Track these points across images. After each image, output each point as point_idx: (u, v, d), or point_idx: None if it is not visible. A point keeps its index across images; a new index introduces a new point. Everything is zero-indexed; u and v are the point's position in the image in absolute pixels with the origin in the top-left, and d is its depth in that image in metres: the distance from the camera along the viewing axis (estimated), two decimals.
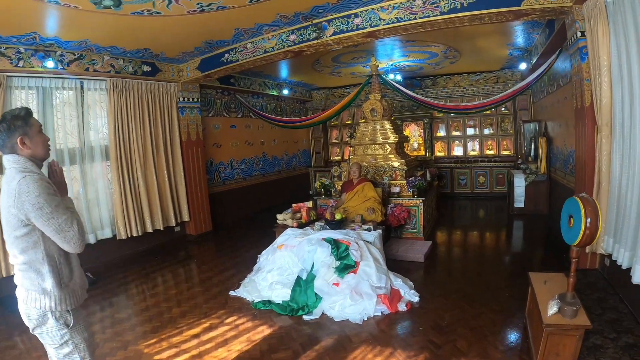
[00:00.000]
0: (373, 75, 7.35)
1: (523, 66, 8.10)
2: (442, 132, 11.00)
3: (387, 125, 7.17)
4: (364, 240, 4.75)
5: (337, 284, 4.24)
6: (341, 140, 12.30)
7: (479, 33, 6.59)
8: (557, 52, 6.14)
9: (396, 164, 6.82)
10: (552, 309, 2.70)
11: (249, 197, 9.43)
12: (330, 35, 5.44)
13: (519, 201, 8.10)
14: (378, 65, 7.41)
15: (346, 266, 4.32)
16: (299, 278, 4.40)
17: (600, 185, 4.04)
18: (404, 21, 4.90)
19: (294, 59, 6.79)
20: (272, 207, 10.02)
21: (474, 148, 10.73)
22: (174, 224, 7.09)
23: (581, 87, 4.45)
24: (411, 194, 6.49)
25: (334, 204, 6.37)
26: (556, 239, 6.31)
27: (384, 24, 5.03)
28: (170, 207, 6.98)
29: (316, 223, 5.51)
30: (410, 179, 6.56)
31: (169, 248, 6.94)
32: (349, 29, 5.26)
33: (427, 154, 10.90)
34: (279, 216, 6.04)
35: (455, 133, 10.86)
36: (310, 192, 12.19)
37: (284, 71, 9.09)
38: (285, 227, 5.70)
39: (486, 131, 10.53)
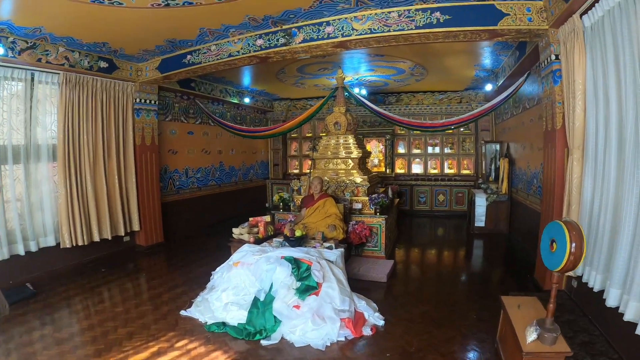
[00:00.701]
0: (339, 88, 7.54)
1: (489, 87, 8.71)
2: (402, 149, 11.47)
3: (351, 140, 7.40)
4: (325, 260, 4.67)
5: (297, 307, 4.10)
6: (300, 153, 12.48)
7: (448, 51, 7.01)
8: (525, 75, 6.57)
9: (359, 179, 7.01)
10: (531, 335, 2.73)
11: (203, 207, 9.29)
12: (300, 43, 5.51)
13: (480, 220, 8.60)
14: (344, 78, 7.72)
15: (307, 287, 4.18)
16: (256, 299, 4.22)
17: (570, 207, 4.20)
18: (378, 33, 5.07)
19: (258, 65, 6.85)
20: (227, 219, 9.95)
21: (434, 166, 11.29)
22: (123, 234, 6.83)
23: (552, 109, 4.71)
24: (373, 211, 6.64)
25: (293, 219, 6.40)
26: (518, 259, 6.90)
27: (356, 34, 5.17)
28: (119, 215, 6.72)
29: (274, 239, 5.44)
30: (373, 195, 6.71)
31: (116, 259, 6.66)
32: (319, 37, 5.37)
33: (388, 170, 11.31)
34: (234, 230, 5.91)
35: (415, 151, 11.38)
36: (267, 204, 12.25)
37: (246, 78, 9.19)
38: (241, 242, 5.61)
39: (447, 150, 11.11)
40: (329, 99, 7.84)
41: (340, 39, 5.29)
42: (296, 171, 12.57)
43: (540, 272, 5.06)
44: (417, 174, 11.31)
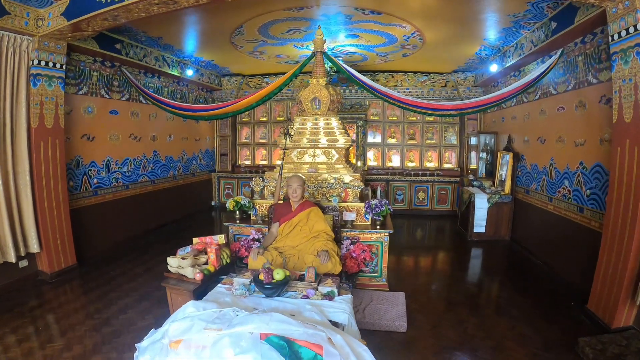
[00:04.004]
0: (317, 53, 5.76)
1: (494, 68, 7.37)
2: (376, 139, 10.01)
3: (335, 123, 5.70)
4: (336, 330, 2.74)
5: None
6: (253, 141, 10.56)
7: (460, 17, 5.71)
8: (560, 51, 5.44)
9: (348, 177, 5.33)
10: None
11: (132, 213, 7.14)
12: None
13: (480, 225, 7.36)
14: (324, 41, 5.98)
15: None
16: None
17: None
18: None
19: (209, 17, 5.36)
20: (164, 225, 7.94)
21: (411, 159, 9.97)
22: (15, 259, 4.70)
23: (636, 94, 3.62)
24: (369, 223, 5.10)
25: (255, 237, 4.71)
26: (541, 278, 5.58)
27: None
28: (7, 232, 4.59)
29: (236, 279, 3.50)
30: (372, 202, 4.98)
31: (8, 296, 4.59)
32: None
33: (359, 162, 9.76)
34: (171, 261, 3.94)
35: (390, 140, 9.97)
36: (213, 203, 10.29)
37: (191, 42, 7.12)
38: (181, 280, 3.83)
39: (428, 141, 9.84)
40: (305, 64, 5.88)
41: None
42: (247, 162, 10.65)
43: (597, 301, 4.16)
44: (392, 168, 9.88)
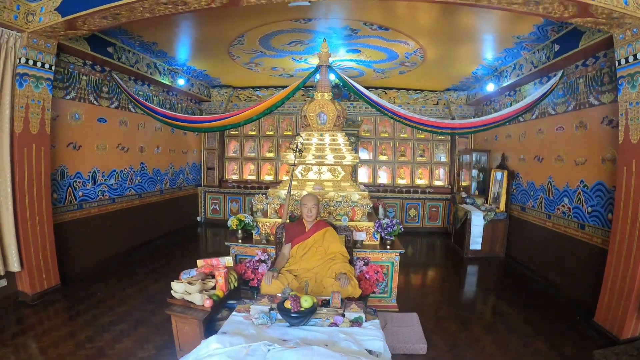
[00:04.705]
0: (322, 67, 5.46)
1: (491, 87, 7.31)
2: (367, 155, 9.78)
3: (341, 139, 5.39)
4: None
5: None
6: (241, 155, 10.08)
7: (464, 36, 5.69)
8: (560, 73, 5.47)
9: (356, 195, 5.04)
10: None
11: (118, 228, 6.55)
12: None
13: (476, 242, 7.17)
14: (330, 55, 5.67)
15: None
16: None
17: None
18: None
19: (209, 29, 5.21)
20: (150, 241, 7.37)
21: (402, 176, 9.77)
22: None
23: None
24: (378, 242, 4.83)
25: (263, 263, 4.32)
26: (541, 293, 5.46)
27: None
28: None
29: (253, 306, 3.13)
30: (384, 221, 4.75)
31: None
32: None
33: None
34: (175, 286, 3.50)
35: (382, 157, 9.74)
36: (199, 219, 9.74)
37: (186, 49, 6.70)
38: (187, 307, 3.40)
39: (418, 158, 9.67)
40: (310, 76, 5.63)
41: None
42: (235, 177, 10.15)
43: (604, 314, 4.19)
44: (383, 185, 9.62)
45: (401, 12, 5.04)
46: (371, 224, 4.86)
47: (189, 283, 3.50)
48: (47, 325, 4.03)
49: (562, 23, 4.81)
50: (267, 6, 4.68)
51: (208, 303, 3.36)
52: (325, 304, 3.28)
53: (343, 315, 3.11)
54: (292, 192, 4.83)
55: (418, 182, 9.67)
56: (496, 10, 4.26)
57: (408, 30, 5.59)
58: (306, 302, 2.98)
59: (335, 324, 3.00)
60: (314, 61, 7.12)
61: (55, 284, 4.90)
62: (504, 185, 7.23)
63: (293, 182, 5.09)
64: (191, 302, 3.42)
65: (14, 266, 4.37)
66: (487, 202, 7.70)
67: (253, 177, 10.09)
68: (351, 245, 4.48)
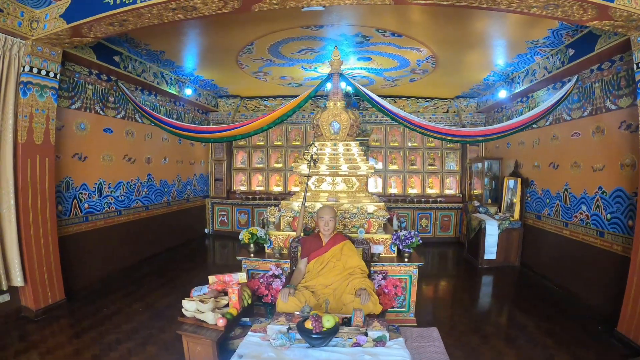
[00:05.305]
0: (334, 75, 5.24)
1: (503, 94, 7.09)
2: (378, 165, 9.51)
3: (355, 149, 5.17)
4: None
5: None
6: (249, 166, 9.87)
7: (477, 42, 5.51)
8: (574, 79, 5.30)
9: (371, 207, 4.80)
10: None
11: (124, 240, 6.32)
12: None
13: (490, 252, 6.90)
14: (341, 63, 5.46)
15: None
16: None
17: None
18: None
19: (219, 36, 5.01)
20: (157, 255, 7.13)
21: (412, 185, 9.52)
22: None
23: None
24: (395, 255, 4.60)
25: (277, 278, 4.07)
26: (562, 303, 5.35)
27: None
28: None
29: (272, 328, 2.89)
30: (402, 233, 4.51)
31: None
32: None
33: None
34: (186, 305, 3.29)
35: (392, 167, 9.51)
36: (207, 231, 9.50)
37: (193, 58, 6.51)
38: (200, 325, 3.17)
39: (428, 167, 9.43)
40: (323, 84, 5.36)
41: None
42: (243, 188, 9.93)
43: (627, 324, 3.97)
44: (394, 195, 9.38)
45: (415, 17, 4.86)
46: (388, 236, 4.64)
47: (201, 301, 3.26)
48: (52, 342, 3.78)
49: (577, 27, 4.68)
50: (279, 12, 4.51)
51: (222, 322, 3.12)
52: (346, 322, 3.03)
53: (366, 334, 2.86)
54: (305, 204, 4.59)
55: (429, 191, 9.42)
56: (512, 14, 4.13)
57: (421, 37, 5.41)
58: (328, 322, 2.74)
59: (358, 344, 2.76)
60: (323, 70, 6.94)
61: (60, 299, 4.67)
62: (518, 193, 6.99)
63: (299, 194, 4.86)
64: (203, 322, 3.18)
65: (17, 281, 4.14)
66: (500, 211, 7.47)
67: (262, 188, 9.85)
68: (369, 258, 4.23)
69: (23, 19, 4.01)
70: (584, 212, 5.32)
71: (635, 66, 3.87)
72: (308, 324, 2.72)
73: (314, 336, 2.67)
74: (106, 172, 6.03)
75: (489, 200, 7.96)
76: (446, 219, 8.96)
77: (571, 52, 5.13)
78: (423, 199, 9.13)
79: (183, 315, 3.27)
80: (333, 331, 2.73)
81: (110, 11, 3.83)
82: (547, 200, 6.26)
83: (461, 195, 9.21)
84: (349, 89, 6.97)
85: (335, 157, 5.09)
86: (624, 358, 3.56)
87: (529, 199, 6.89)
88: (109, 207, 6.07)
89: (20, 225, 4.21)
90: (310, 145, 4.99)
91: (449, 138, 5.78)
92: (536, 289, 5.90)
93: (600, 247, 4.96)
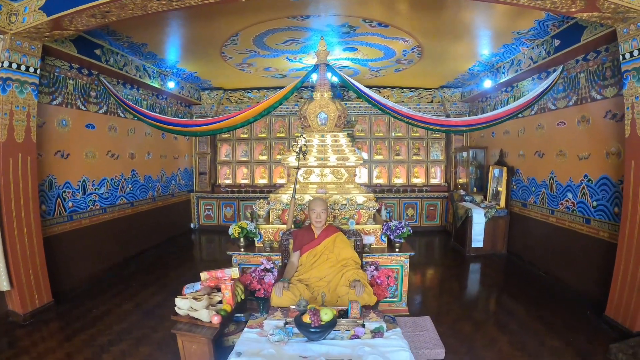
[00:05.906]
0: (321, 66, 5.19)
1: (488, 84, 7.15)
2: (363, 155, 9.57)
3: (343, 140, 5.15)
4: None
5: None
6: (234, 159, 9.77)
7: (462, 32, 5.51)
8: (560, 69, 5.38)
9: (361, 198, 4.83)
10: None
11: (110, 238, 6.18)
12: None
13: (477, 240, 7.02)
14: (327, 53, 5.37)
15: None
16: None
17: None
18: None
19: (202, 27, 4.92)
20: (144, 252, 7.02)
21: (398, 175, 9.57)
22: None
23: None
24: (385, 246, 4.64)
25: (269, 272, 4.06)
26: (549, 289, 5.39)
27: None
28: None
29: (268, 324, 2.87)
30: (392, 223, 4.53)
31: None
32: None
33: None
34: (179, 303, 3.21)
35: (377, 157, 9.54)
36: (193, 225, 9.40)
37: (176, 50, 6.37)
38: (194, 325, 3.12)
39: (414, 157, 9.48)
40: (309, 75, 5.31)
41: None
42: (228, 181, 9.83)
43: (615, 308, 4.11)
44: (380, 185, 9.42)
45: (402, 7, 4.84)
46: (378, 226, 4.68)
47: (195, 299, 3.22)
48: (42, 347, 3.69)
49: (564, 18, 4.71)
50: (266, 2, 4.45)
51: (216, 319, 3.08)
52: (343, 314, 3.04)
53: (363, 326, 2.88)
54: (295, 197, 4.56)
55: (414, 180, 9.49)
56: (501, 5, 4.12)
57: (408, 27, 5.37)
58: (326, 316, 2.73)
59: (356, 336, 2.77)
60: (308, 61, 6.87)
61: (48, 302, 4.53)
62: (504, 181, 7.10)
63: (289, 185, 4.83)
64: (198, 319, 3.13)
65: (3, 285, 4.01)
66: (486, 199, 7.58)
67: (247, 181, 9.75)
68: (360, 250, 4.24)
69: (1, 13, 3.81)
70: (570, 199, 5.44)
71: (621, 57, 3.97)
72: (306, 318, 2.71)
73: (312, 330, 2.66)
74: (89, 169, 5.86)
75: (475, 189, 8.06)
76: (432, 208, 9.06)
77: (557, 42, 5.18)
78: (409, 189, 9.20)
79: (176, 314, 3.21)
80: (331, 324, 2.73)
81: (92, 2, 3.65)
82: (533, 188, 6.38)
83: (446, 185, 9.31)
84: (335, 79, 6.94)
85: (323, 148, 5.07)
86: (613, 341, 3.66)
87: (515, 187, 7.00)
88: (93, 205, 5.92)
89: (3, 227, 4.06)
90: (299, 137, 4.95)
91: (435, 128, 5.80)
92: (524, 276, 6.04)
93: (587, 234, 5.08)
